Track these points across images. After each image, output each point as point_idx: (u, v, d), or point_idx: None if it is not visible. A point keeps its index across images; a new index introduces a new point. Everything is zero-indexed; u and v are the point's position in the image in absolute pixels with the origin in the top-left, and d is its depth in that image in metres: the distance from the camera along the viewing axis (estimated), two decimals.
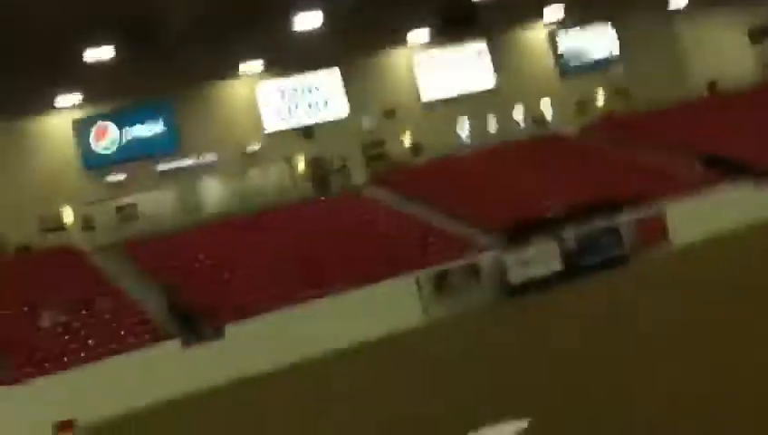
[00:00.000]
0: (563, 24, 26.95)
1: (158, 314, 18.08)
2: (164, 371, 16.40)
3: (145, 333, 17.41)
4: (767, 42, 27.67)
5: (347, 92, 24.46)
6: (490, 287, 19.04)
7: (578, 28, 27.08)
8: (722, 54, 28.08)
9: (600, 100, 26.85)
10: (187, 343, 17.00)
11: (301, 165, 23.92)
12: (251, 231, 20.79)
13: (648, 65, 26.66)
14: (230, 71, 23.24)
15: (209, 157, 22.99)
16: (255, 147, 23.43)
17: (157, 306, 18.28)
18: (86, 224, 21.44)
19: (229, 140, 23.21)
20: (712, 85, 27.00)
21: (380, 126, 24.64)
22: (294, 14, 21.43)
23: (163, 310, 18.12)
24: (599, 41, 27.40)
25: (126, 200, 21.99)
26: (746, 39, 28.55)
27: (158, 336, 17.26)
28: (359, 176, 24.01)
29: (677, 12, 28.20)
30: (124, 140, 22.44)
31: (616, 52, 27.30)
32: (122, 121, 22.43)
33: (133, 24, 19.73)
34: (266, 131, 23.74)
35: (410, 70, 25.44)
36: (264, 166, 23.57)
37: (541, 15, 26.62)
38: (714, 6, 28.16)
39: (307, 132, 24.02)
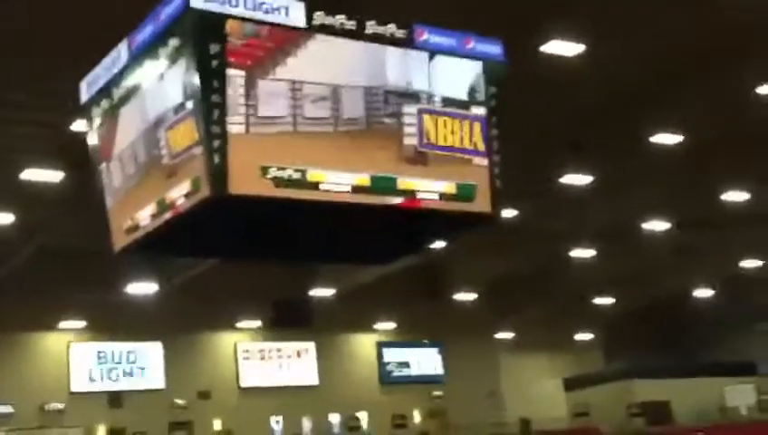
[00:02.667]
0: (392, 338, 27.61)
1: None
2: None
3: None
4: (578, 392, 28.73)
5: (166, 366, 23.97)
6: None
7: (404, 345, 27.79)
8: (537, 395, 29.17)
9: (417, 417, 27.10)
10: None
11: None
12: None
13: (468, 390, 27.22)
14: (48, 324, 22.57)
15: (5, 408, 21.77)
16: (59, 406, 22.42)
17: None
18: None
19: (31, 393, 22.15)
20: (525, 423, 27.50)
21: (193, 406, 24.07)
22: (127, 282, 21.12)
23: None
24: (424, 358, 28.06)
25: None
26: (561, 385, 29.68)
27: None
28: None
29: (503, 342, 29.46)
30: None
31: (439, 371, 27.96)
32: None
33: None
34: (72, 391, 22.82)
35: (233, 354, 25.31)
36: (63, 429, 22.40)
37: (371, 327, 27.23)
38: (535, 350, 29.69)
39: (114, 400, 23.17)
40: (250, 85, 5.47)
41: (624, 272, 25.61)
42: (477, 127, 6.21)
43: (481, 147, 6.23)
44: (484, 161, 6.31)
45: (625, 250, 23.36)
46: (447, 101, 6.12)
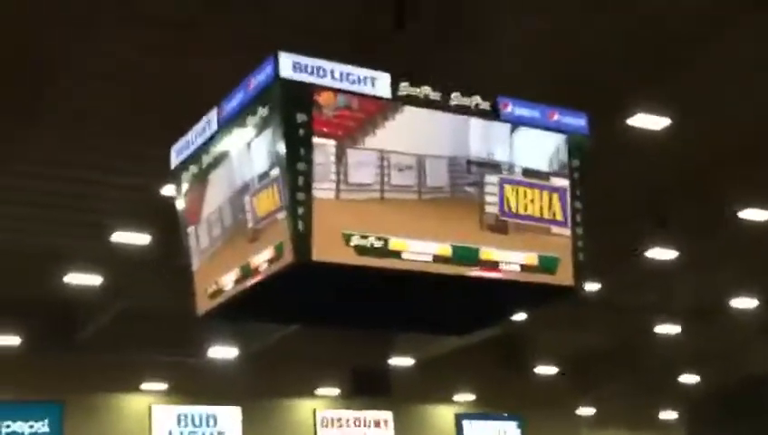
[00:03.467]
0: (471, 410, 27.30)
1: None
2: None
3: None
4: None
5: (244, 432, 24.01)
6: None
7: (484, 417, 27.44)
8: None
9: None
10: None
11: None
12: None
13: None
14: (131, 385, 22.84)
15: None
16: None
17: None
18: None
19: None
20: None
21: None
22: (209, 346, 21.32)
23: None
24: (504, 432, 27.63)
25: None
26: None
27: None
28: None
29: (584, 418, 28.93)
30: (3, 434, 21.43)
31: None
32: (6, 414, 21.51)
33: (51, 319, 19.51)
34: None
35: (312, 422, 25.24)
36: None
37: (450, 398, 26.97)
38: (617, 426, 29.04)
39: None
40: (341, 154, 5.62)
41: (710, 350, 25.04)
42: (556, 198, 6.27)
43: (560, 217, 6.28)
44: (566, 232, 6.34)
45: (711, 327, 22.86)
46: (528, 172, 6.21)
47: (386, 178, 5.72)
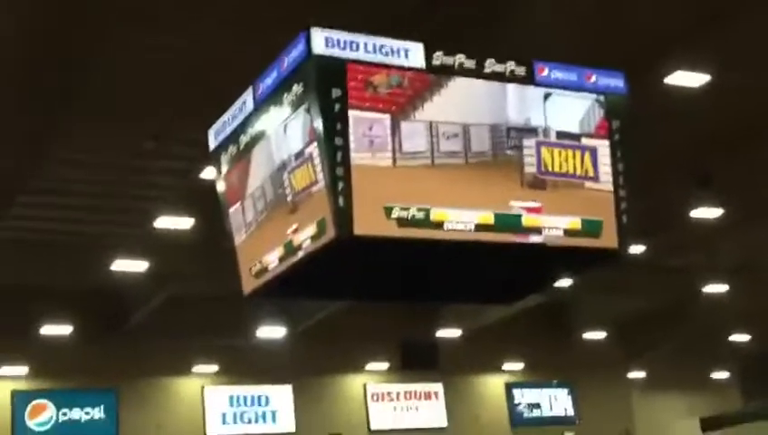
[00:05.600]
0: (521, 379, 27.30)
1: None
2: None
3: None
4: (721, 432, 27.84)
5: (296, 409, 24.20)
6: None
7: (535, 385, 27.43)
8: None
9: None
10: None
11: None
12: None
13: (600, 431, 26.63)
14: (182, 369, 23.07)
15: None
16: None
17: None
18: None
19: None
20: None
21: None
22: (257, 327, 21.46)
23: None
24: (554, 399, 27.62)
25: None
26: (698, 426, 28.77)
27: None
28: None
29: (635, 382, 28.81)
30: (60, 421, 21.78)
31: (570, 412, 27.47)
32: (62, 402, 21.82)
33: (100, 307, 19.74)
34: (207, 434, 23.29)
35: (362, 397, 25.37)
36: None
37: (500, 368, 26.96)
38: (668, 389, 28.87)
39: None
40: (395, 126, 5.82)
41: (759, 308, 24.79)
42: (588, 156, 6.46)
43: (591, 173, 6.44)
44: (600, 187, 6.44)
45: (760, 285, 22.63)
46: (561, 135, 6.39)
47: (435, 146, 5.95)
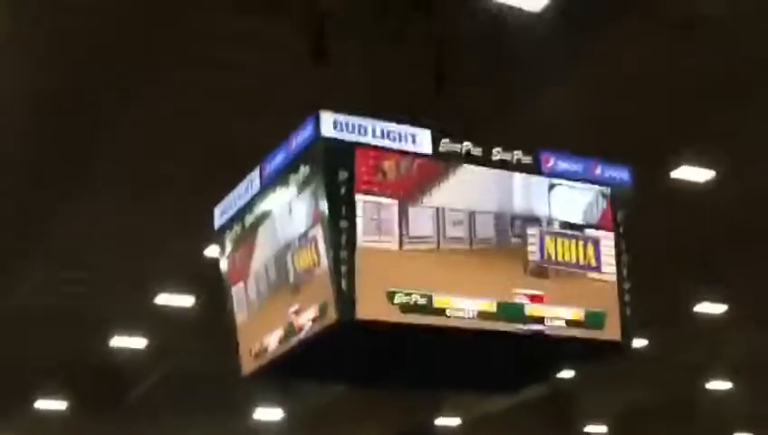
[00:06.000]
0: None
1: None
2: None
3: None
4: None
5: None
6: None
7: None
8: None
9: None
10: None
11: None
12: None
13: None
14: None
15: None
16: None
17: None
18: None
19: None
20: None
21: None
22: (254, 408, 21.26)
23: None
24: None
25: None
26: None
27: None
28: None
29: None
30: None
31: None
32: None
33: (96, 383, 19.59)
34: None
35: None
36: None
37: None
38: None
39: None
40: (402, 211, 5.85)
41: (763, 408, 24.50)
42: (591, 246, 6.47)
43: (594, 263, 6.46)
44: (603, 277, 6.44)
45: (764, 385, 22.40)
46: (565, 225, 6.42)
47: (441, 231, 5.98)
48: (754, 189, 12.57)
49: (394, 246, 5.77)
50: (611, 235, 6.49)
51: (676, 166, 11.50)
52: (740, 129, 10.95)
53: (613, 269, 6.46)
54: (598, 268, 6.43)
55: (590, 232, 6.47)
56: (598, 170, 6.57)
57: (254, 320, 6.56)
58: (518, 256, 6.21)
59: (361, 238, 5.65)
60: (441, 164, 6.03)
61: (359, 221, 5.65)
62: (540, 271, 6.26)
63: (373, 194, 5.76)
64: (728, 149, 11.32)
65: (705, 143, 11.13)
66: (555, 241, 6.35)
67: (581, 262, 6.40)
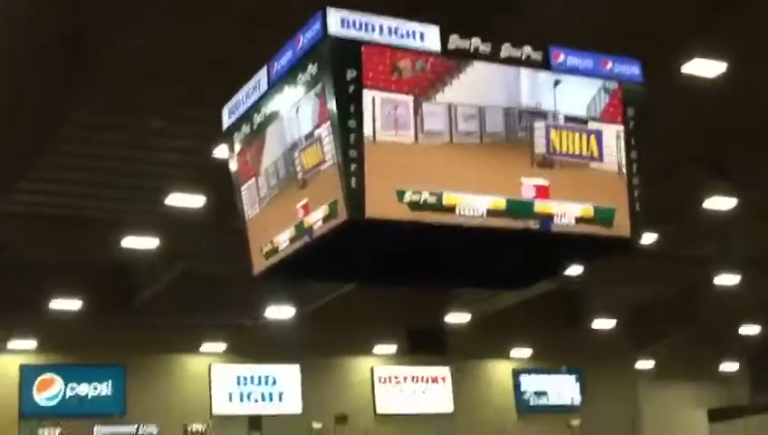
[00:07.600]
0: (528, 365, 27.30)
1: None
2: None
3: None
4: (728, 423, 27.81)
5: (303, 391, 24.24)
6: None
7: (542, 372, 27.42)
8: (677, 427, 28.33)
9: None
10: None
11: None
12: None
13: (606, 419, 26.61)
14: (190, 347, 23.13)
15: (150, 428, 22.40)
16: (200, 426, 22.92)
17: None
18: None
19: (175, 414, 22.72)
20: None
21: (330, 430, 24.24)
22: (266, 306, 21.45)
23: None
24: (561, 387, 27.59)
25: None
26: (705, 416, 28.76)
27: None
28: None
29: (644, 372, 28.75)
30: (67, 395, 21.88)
31: (577, 401, 27.44)
32: (70, 376, 21.98)
33: (110, 283, 19.77)
34: (214, 413, 23.30)
35: (370, 380, 25.40)
36: None
37: (507, 354, 26.96)
38: (677, 379, 28.83)
39: (254, 423, 23.55)
40: (417, 107, 5.88)
41: None
42: (594, 139, 6.52)
43: (596, 154, 6.50)
44: (604, 167, 6.47)
45: None
46: (569, 118, 6.44)
47: (454, 126, 6.01)
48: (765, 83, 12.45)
49: (409, 140, 5.81)
50: (614, 127, 6.49)
51: (689, 59, 11.33)
52: (755, 16, 10.78)
53: (614, 159, 6.48)
54: (600, 159, 6.48)
55: (592, 125, 6.49)
56: (609, 65, 6.54)
57: (264, 216, 6.58)
58: (525, 148, 6.26)
59: (378, 133, 5.66)
60: (452, 61, 6.00)
61: (376, 116, 5.66)
62: (546, 162, 6.32)
63: (389, 91, 5.75)
64: (740, 41, 11.16)
65: (717, 34, 10.96)
66: (560, 134, 6.40)
67: (584, 153, 6.46)
